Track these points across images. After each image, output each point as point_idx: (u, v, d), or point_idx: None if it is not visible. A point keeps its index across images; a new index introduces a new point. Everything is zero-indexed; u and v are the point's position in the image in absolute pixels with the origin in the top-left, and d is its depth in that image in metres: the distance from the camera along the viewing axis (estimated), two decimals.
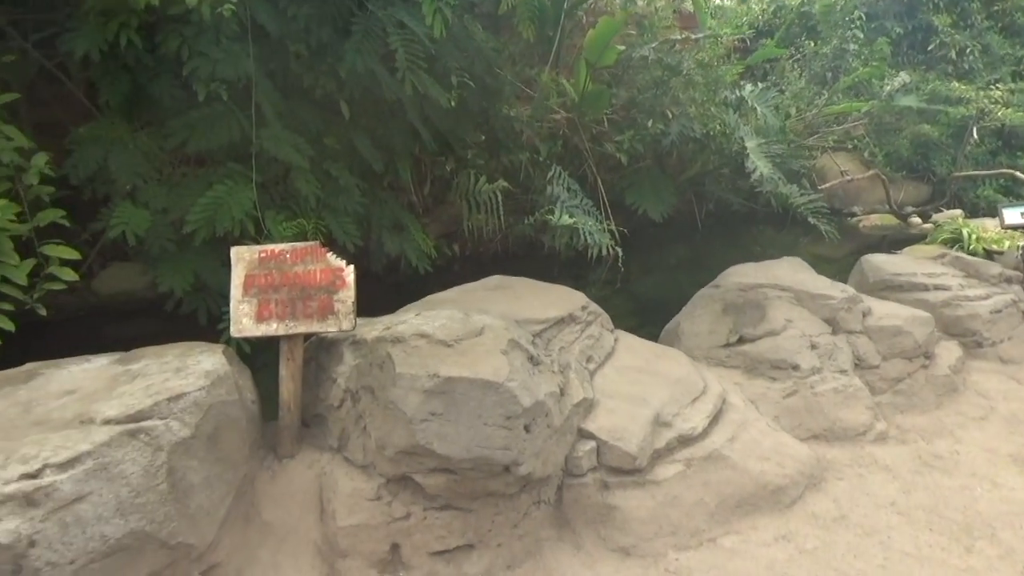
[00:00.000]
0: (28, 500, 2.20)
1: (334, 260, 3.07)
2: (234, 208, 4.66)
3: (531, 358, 3.04)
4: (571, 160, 8.82)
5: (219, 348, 3.00)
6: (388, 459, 2.79)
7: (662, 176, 8.88)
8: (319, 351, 3.28)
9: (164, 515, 2.45)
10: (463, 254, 8.01)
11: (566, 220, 7.33)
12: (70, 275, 4.12)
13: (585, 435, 3.11)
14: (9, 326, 3.78)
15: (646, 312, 6.93)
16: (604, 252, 7.62)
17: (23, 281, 3.93)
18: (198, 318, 5.00)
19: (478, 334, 2.96)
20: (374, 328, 3.14)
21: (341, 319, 3.02)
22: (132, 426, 2.49)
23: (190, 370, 2.79)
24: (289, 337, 3.03)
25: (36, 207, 4.20)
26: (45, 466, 2.26)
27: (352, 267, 3.07)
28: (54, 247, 4.06)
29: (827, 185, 10.80)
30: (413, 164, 7.07)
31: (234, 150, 4.91)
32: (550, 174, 7.92)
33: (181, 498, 2.53)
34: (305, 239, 5.05)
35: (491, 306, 3.62)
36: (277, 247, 3.08)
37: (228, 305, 3.04)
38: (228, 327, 3.05)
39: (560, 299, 3.89)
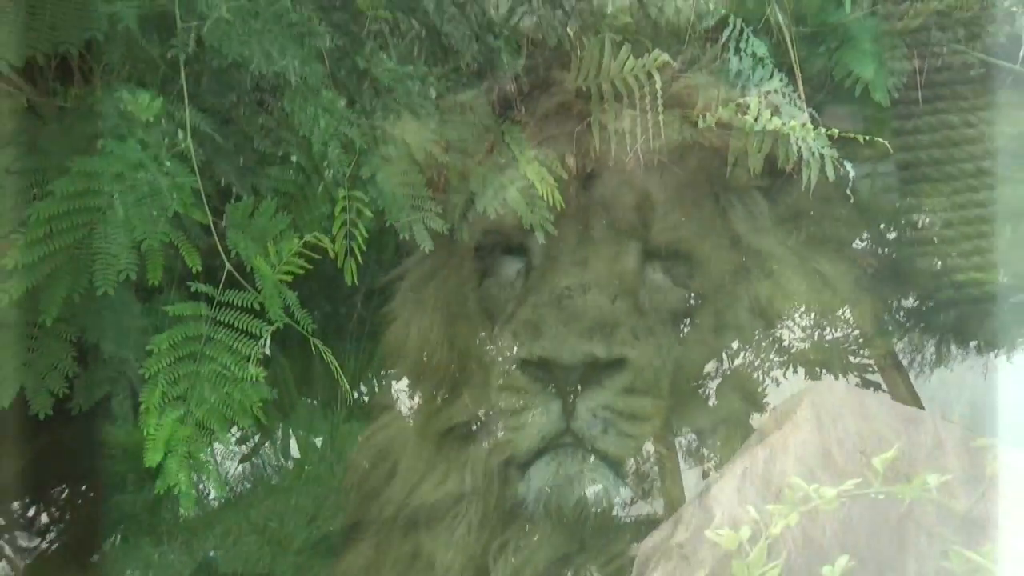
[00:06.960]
0: None
1: None
2: (150, 200, 1.83)
3: None
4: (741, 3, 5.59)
5: None
6: None
7: (884, 27, 5.60)
8: None
9: None
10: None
11: (771, 122, 4.33)
12: None
13: None
14: None
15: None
16: (823, 170, 4.68)
17: None
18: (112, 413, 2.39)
19: None
20: None
21: None
22: None
23: None
24: None
25: None
26: None
27: None
28: None
29: None
30: None
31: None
32: (727, 32, 4.79)
33: None
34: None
35: None
36: None
37: None
38: None
39: None
